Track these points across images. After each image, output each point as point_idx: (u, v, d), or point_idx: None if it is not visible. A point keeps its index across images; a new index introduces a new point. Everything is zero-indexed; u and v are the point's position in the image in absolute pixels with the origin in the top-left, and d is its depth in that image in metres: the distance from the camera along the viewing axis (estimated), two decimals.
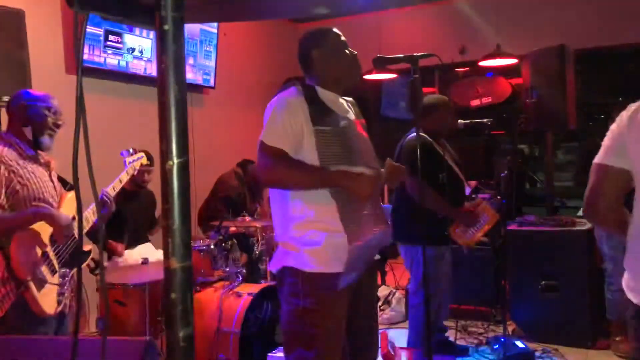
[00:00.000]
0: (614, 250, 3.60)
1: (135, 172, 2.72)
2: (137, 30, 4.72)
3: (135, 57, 4.71)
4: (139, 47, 4.74)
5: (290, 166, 1.90)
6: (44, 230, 2.18)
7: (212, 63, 5.55)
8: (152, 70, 4.84)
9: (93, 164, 0.84)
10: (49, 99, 2.31)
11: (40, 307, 2.13)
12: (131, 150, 2.72)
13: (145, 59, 4.80)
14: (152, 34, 4.77)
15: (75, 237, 2.25)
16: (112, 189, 2.50)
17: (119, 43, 4.57)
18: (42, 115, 2.26)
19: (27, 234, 2.13)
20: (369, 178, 1.91)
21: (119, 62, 4.56)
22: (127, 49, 4.63)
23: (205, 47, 5.46)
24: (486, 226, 3.29)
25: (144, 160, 2.78)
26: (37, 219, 2.14)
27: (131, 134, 4.47)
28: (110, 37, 4.49)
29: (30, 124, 2.25)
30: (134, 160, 2.69)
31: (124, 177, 2.61)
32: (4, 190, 2.08)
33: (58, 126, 2.31)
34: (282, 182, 1.94)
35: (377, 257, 2.18)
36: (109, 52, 4.48)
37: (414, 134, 3.15)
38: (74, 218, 2.30)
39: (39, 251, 2.15)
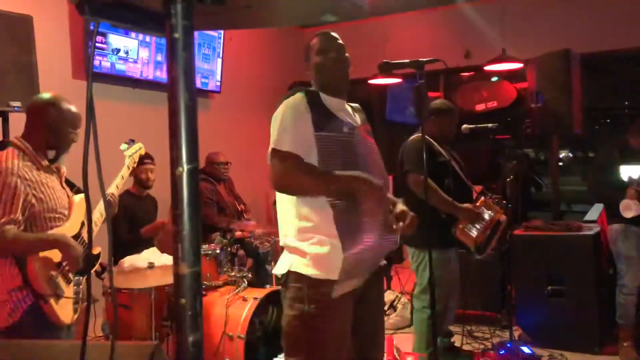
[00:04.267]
0: (631, 250, 3.60)
1: (135, 165, 2.67)
2: (134, 35, 4.63)
3: (120, 58, 4.54)
4: (124, 47, 4.57)
5: (305, 172, 1.91)
6: None
7: (211, 66, 5.54)
8: (149, 73, 4.82)
9: (93, 165, 0.85)
10: (79, 123, 2.26)
11: (59, 318, 2.14)
12: (129, 142, 2.67)
13: (131, 60, 4.64)
14: (143, 36, 4.72)
15: (86, 243, 2.26)
16: (115, 187, 2.49)
17: (103, 43, 4.42)
18: (68, 139, 2.24)
19: None
20: (377, 187, 1.91)
21: (114, 65, 4.50)
22: (112, 50, 4.48)
23: (203, 50, 5.45)
24: (491, 223, 3.26)
25: (143, 151, 2.73)
26: (54, 246, 2.13)
27: (136, 138, 4.49)
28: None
29: (55, 149, 2.22)
30: (133, 153, 2.64)
31: (125, 172, 2.57)
32: (20, 205, 2.06)
33: (74, 142, 2.30)
34: (297, 188, 1.94)
35: (384, 262, 2.17)
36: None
37: (417, 135, 3.15)
38: (81, 230, 2.31)
39: (53, 263, 2.15)
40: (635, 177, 3.59)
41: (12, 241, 2.03)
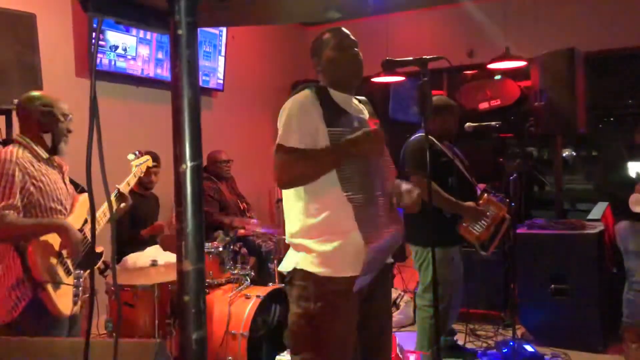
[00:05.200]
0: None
1: (142, 174, 2.77)
2: (134, 32, 4.58)
3: (118, 55, 4.48)
4: (122, 44, 4.51)
5: (304, 157, 1.90)
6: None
7: (212, 64, 5.52)
8: (150, 71, 4.79)
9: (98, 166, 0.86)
10: (63, 104, 2.33)
11: (57, 308, 2.15)
12: (137, 153, 2.75)
13: (130, 57, 4.58)
14: (144, 33, 4.68)
15: (88, 240, 2.27)
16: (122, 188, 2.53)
17: (101, 40, 4.35)
18: (60, 122, 2.29)
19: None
20: (373, 133, 1.92)
21: (113, 62, 4.46)
22: (110, 47, 4.42)
23: (204, 48, 5.43)
24: (494, 220, 3.25)
25: (150, 163, 2.81)
26: (53, 230, 2.16)
27: (136, 136, 4.50)
28: (92, 34, 4.20)
29: (50, 131, 2.28)
30: (140, 164, 2.73)
31: (132, 180, 2.64)
32: (19, 192, 2.11)
33: (70, 132, 2.35)
34: (301, 177, 1.93)
35: (391, 260, 2.18)
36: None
37: (419, 134, 3.14)
38: (84, 226, 2.32)
39: (54, 252, 2.17)
40: None
41: (10, 225, 2.06)
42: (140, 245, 3.88)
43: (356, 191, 1.92)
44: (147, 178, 4.00)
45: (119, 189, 2.49)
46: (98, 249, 2.43)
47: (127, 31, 4.56)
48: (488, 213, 3.22)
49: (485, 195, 3.29)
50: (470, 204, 3.22)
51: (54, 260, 2.16)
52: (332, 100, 2.01)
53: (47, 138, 2.28)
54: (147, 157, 2.79)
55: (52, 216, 2.22)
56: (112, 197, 2.46)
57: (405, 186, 2.13)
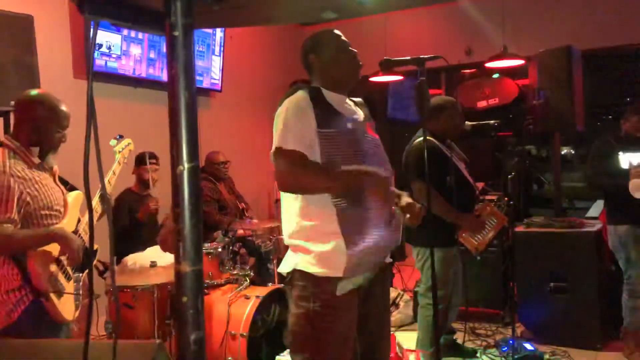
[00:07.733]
0: None
1: (126, 160, 2.66)
2: (126, 32, 4.50)
3: (103, 54, 4.39)
4: (107, 42, 4.42)
5: (311, 170, 1.90)
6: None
7: (205, 64, 5.50)
8: (142, 71, 4.75)
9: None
10: (64, 108, 2.25)
11: (61, 316, 2.13)
12: (118, 137, 2.65)
13: (114, 55, 4.48)
14: (135, 33, 4.64)
15: (84, 241, 2.26)
16: (107, 183, 2.47)
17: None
18: (53, 138, 2.22)
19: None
20: (383, 179, 1.94)
21: (105, 62, 4.42)
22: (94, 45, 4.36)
23: (198, 47, 5.41)
24: (494, 230, 3.24)
25: (132, 146, 2.71)
26: (53, 240, 2.11)
27: (133, 136, 4.49)
28: None
29: (39, 144, 2.20)
30: (122, 149, 2.63)
31: (117, 168, 2.56)
32: (15, 204, 2.05)
33: (62, 142, 2.29)
34: (303, 187, 1.93)
35: (389, 259, 2.17)
36: None
37: (420, 137, 3.14)
38: (78, 226, 2.31)
39: (53, 259, 2.14)
40: (635, 162, 3.43)
41: (10, 238, 2.02)
42: (140, 245, 3.88)
43: (341, 196, 1.91)
44: (146, 176, 3.99)
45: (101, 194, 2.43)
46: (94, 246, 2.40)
47: (118, 30, 4.49)
48: (488, 224, 3.21)
49: (488, 208, 3.25)
50: (470, 216, 3.21)
51: (53, 268, 2.13)
52: (325, 101, 2.01)
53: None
54: (129, 140, 2.68)
55: (48, 222, 2.17)
56: (97, 198, 2.39)
57: (405, 199, 2.13)
